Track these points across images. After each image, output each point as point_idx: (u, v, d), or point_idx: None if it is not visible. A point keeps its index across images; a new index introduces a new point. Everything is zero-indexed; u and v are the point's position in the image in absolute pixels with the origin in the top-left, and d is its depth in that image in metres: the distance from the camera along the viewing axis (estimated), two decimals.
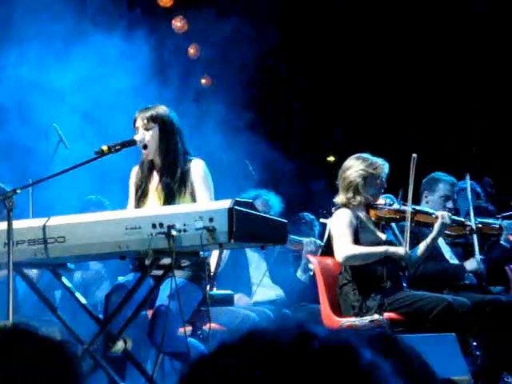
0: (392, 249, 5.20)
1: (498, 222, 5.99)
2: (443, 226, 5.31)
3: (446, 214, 5.38)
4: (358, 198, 5.26)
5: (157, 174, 4.56)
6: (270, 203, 6.32)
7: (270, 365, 0.86)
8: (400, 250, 5.21)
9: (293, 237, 6.31)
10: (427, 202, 5.92)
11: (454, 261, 5.88)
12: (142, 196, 4.55)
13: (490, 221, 5.94)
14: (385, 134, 9.92)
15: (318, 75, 10.01)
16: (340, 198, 5.32)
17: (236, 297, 5.93)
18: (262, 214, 3.90)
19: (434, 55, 9.75)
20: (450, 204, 5.85)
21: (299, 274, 6.47)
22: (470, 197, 5.88)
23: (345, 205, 5.29)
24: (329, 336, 0.89)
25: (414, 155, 5.34)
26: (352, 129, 10.02)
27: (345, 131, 10.10)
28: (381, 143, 9.39)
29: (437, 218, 5.33)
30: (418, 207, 5.54)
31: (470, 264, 5.74)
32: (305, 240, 6.34)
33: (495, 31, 9.49)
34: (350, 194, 5.26)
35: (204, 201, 4.37)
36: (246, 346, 0.88)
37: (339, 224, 5.23)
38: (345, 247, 5.14)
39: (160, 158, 4.52)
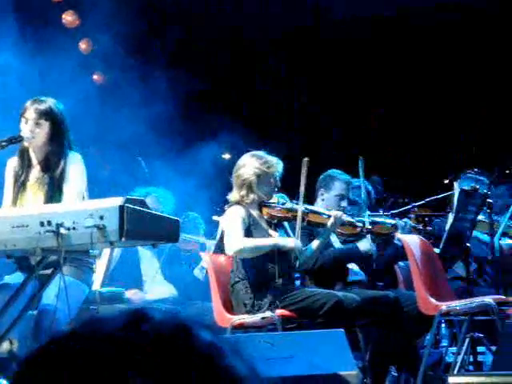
0: (282, 241, 5.24)
1: (390, 220, 6.12)
2: (335, 226, 5.39)
3: (339, 213, 5.43)
4: (252, 195, 5.28)
5: (36, 168, 4.48)
6: (160, 200, 6.29)
7: (95, 350, 0.84)
8: (290, 243, 5.25)
9: (188, 236, 6.30)
10: (323, 200, 5.98)
11: None
12: (20, 189, 4.46)
13: (383, 220, 6.05)
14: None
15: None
16: (233, 196, 5.33)
17: (130, 292, 5.88)
18: (153, 212, 3.87)
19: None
20: (344, 203, 5.92)
21: (197, 272, 6.45)
22: (363, 195, 5.98)
23: (238, 202, 5.31)
24: (163, 318, 0.88)
25: (306, 159, 5.40)
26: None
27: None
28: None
29: (329, 217, 5.39)
30: (310, 207, 5.58)
31: (364, 244, 5.75)
32: (196, 239, 6.33)
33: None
34: (244, 192, 5.28)
35: (73, 195, 4.33)
36: (76, 335, 0.87)
37: (231, 220, 5.25)
38: (234, 240, 5.16)
39: (44, 156, 4.44)
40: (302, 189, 5.39)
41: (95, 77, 9.07)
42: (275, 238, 5.25)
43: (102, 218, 3.62)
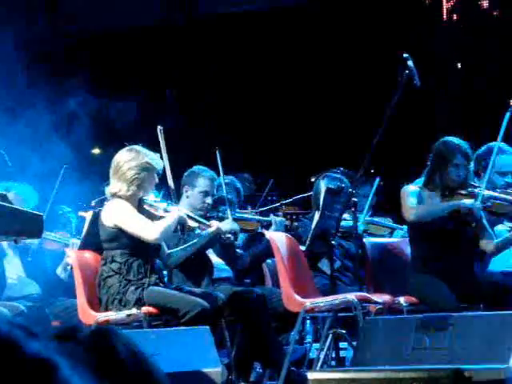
0: (170, 216, 5.18)
1: (258, 217, 6.16)
2: (217, 236, 5.40)
3: (218, 226, 5.39)
4: (131, 191, 5.17)
5: None
6: (22, 196, 6.12)
7: None
8: (178, 213, 5.20)
9: (52, 234, 6.15)
10: (187, 197, 5.96)
11: (212, 255, 5.96)
12: None
13: (249, 217, 6.09)
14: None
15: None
16: (112, 189, 5.20)
17: None
18: (14, 207, 3.78)
19: None
20: (209, 199, 5.91)
21: (59, 271, 6.31)
22: (225, 191, 5.98)
23: (118, 196, 5.18)
24: None
25: (160, 127, 5.36)
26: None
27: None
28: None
29: (209, 226, 5.36)
30: (186, 212, 5.44)
31: (225, 225, 5.69)
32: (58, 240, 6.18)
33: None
34: (125, 187, 5.16)
35: None
36: None
37: (126, 211, 5.12)
38: (151, 227, 5.09)
39: None
40: (164, 155, 5.35)
41: None
42: (169, 214, 5.18)
43: None
